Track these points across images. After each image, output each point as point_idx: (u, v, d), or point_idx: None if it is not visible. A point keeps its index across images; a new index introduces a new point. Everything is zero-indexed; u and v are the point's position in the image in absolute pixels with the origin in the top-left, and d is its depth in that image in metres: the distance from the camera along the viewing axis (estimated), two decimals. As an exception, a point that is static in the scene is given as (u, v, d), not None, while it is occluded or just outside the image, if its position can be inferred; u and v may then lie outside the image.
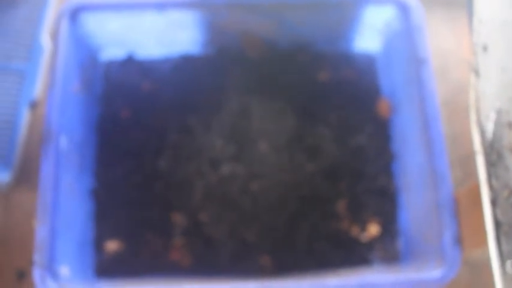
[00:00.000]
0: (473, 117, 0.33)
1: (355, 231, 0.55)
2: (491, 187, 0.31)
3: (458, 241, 0.46)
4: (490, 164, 0.30)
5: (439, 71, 0.57)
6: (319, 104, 0.59)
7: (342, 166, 0.56)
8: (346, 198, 0.56)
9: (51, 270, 0.46)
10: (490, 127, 0.31)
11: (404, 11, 0.54)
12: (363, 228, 0.55)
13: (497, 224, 0.30)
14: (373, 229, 0.55)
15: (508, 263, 0.29)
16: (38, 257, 0.46)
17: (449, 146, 0.50)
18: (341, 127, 0.58)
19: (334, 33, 0.60)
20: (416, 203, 0.53)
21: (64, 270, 0.47)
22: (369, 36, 0.60)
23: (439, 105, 0.50)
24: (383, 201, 0.56)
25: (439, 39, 0.59)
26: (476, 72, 0.32)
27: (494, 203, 0.31)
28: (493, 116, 0.31)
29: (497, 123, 0.31)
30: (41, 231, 0.46)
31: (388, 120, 0.59)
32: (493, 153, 0.30)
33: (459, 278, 0.47)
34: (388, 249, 0.55)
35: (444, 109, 0.52)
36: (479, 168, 0.32)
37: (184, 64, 0.60)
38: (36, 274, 0.45)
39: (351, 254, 0.54)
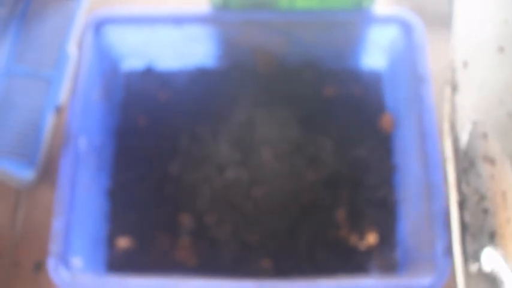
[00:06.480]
0: (446, 128, 0.35)
1: (353, 239, 0.57)
2: (460, 191, 0.33)
3: (449, 251, 0.48)
4: (462, 171, 0.32)
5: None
6: (324, 117, 0.60)
7: (343, 176, 0.58)
8: (345, 207, 0.57)
9: (64, 260, 0.48)
10: (464, 137, 0.33)
11: (407, 30, 0.56)
12: (362, 237, 0.57)
13: (464, 226, 0.32)
14: (372, 238, 0.57)
15: (471, 262, 0.31)
16: (53, 247, 0.48)
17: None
18: (343, 139, 0.59)
19: (342, 51, 0.62)
20: (413, 214, 0.54)
21: (77, 262, 0.50)
22: (375, 54, 0.62)
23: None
24: (382, 211, 0.57)
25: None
26: (454, 87, 0.34)
27: (462, 206, 0.32)
28: (468, 127, 0.33)
29: (472, 134, 0.33)
30: (56, 223, 0.49)
31: (391, 134, 0.60)
32: (465, 160, 0.32)
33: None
34: (385, 259, 0.56)
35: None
36: (449, 174, 0.34)
37: (199, 76, 0.63)
38: (50, 263, 0.48)
39: (349, 262, 0.56)
